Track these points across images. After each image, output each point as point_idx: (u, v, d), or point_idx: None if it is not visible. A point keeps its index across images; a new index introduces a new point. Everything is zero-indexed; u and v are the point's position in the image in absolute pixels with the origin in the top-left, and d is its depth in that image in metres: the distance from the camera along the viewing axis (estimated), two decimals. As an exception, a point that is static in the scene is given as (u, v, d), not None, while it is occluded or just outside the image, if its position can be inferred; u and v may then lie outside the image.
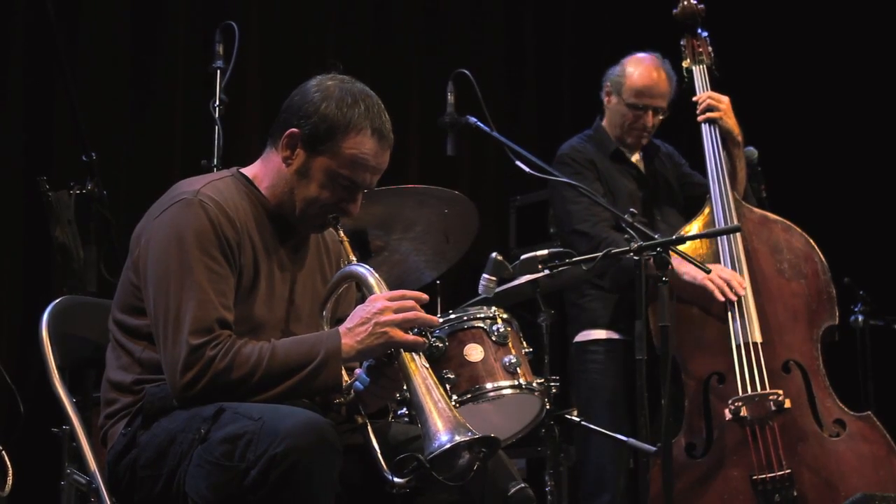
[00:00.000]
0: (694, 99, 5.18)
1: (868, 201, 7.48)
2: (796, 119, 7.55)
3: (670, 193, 5.34)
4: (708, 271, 4.54)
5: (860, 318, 6.66)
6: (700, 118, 5.12)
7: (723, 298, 4.79)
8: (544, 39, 7.83)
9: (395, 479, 2.84)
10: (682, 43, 5.33)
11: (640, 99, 5.21)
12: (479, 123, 4.47)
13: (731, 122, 5.12)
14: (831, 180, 7.45)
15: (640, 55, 5.30)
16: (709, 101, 5.12)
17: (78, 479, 4.03)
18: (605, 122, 5.37)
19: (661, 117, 5.25)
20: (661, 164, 5.39)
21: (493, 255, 4.33)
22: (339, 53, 6.47)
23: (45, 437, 4.29)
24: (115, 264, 3.51)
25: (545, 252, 4.30)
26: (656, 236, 4.19)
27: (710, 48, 5.32)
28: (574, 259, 4.24)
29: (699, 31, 5.34)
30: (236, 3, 6.15)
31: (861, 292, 6.62)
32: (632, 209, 4.35)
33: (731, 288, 4.79)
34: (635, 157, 5.37)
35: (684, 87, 5.29)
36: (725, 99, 5.15)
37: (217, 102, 4.97)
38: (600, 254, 4.16)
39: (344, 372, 2.97)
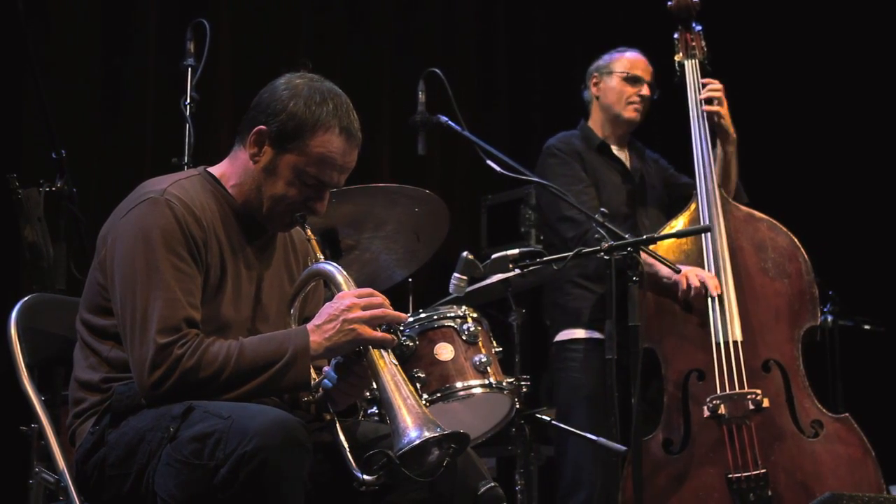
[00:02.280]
0: (688, 95, 5.21)
1: (838, 202, 7.52)
2: (771, 119, 7.58)
3: (654, 192, 5.35)
4: (678, 271, 4.55)
5: (829, 318, 6.68)
6: (706, 108, 5.15)
7: (692, 290, 4.80)
8: (516, 39, 7.84)
9: (365, 477, 2.85)
10: (675, 36, 5.34)
11: (634, 70, 5.33)
12: (450, 122, 4.48)
13: (728, 119, 5.18)
14: (801, 182, 7.48)
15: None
16: (715, 93, 5.18)
17: (46, 478, 4.02)
18: (590, 122, 5.41)
19: (651, 95, 5.36)
20: (647, 165, 5.43)
21: (464, 254, 4.34)
22: (311, 52, 6.47)
23: (13, 435, 4.27)
24: (85, 262, 3.49)
25: (516, 251, 4.31)
26: (627, 236, 4.21)
27: (703, 42, 5.32)
28: (544, 259, 4.26)
29: (693, 24, 5.34)
30: (208, 0, 6.13)
31: (830, 293, 6.65)
32: (602, 209, 4.38)
33: (705, 288, 4.81)
34: (622, 153, 5.40)
35: (676, 81, 5.31)
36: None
37: (188, 100, 4.96)
38: (570, 254, 4.18)
39: (312, 370, 2.97)
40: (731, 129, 5.18)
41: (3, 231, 5.12)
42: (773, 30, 7.80)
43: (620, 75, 5.32)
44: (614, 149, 5.38)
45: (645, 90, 5.32)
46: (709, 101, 5.16)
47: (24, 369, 3.22)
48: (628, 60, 5.35)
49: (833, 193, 7.53)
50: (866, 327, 6.94)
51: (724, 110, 5.16)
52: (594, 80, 5.38)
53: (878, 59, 7.60)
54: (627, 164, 5.39)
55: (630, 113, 5.34)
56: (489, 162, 4.36)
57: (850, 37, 7.65)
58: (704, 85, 5.21)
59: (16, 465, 4.48)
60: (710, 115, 5.14)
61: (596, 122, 5.39)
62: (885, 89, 7.52)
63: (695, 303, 4.84)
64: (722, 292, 4.84)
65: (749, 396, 4.70)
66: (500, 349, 4.41)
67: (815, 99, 7.59)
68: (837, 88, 7.64)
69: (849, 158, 7.55)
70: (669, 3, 5.39)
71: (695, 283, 4.79)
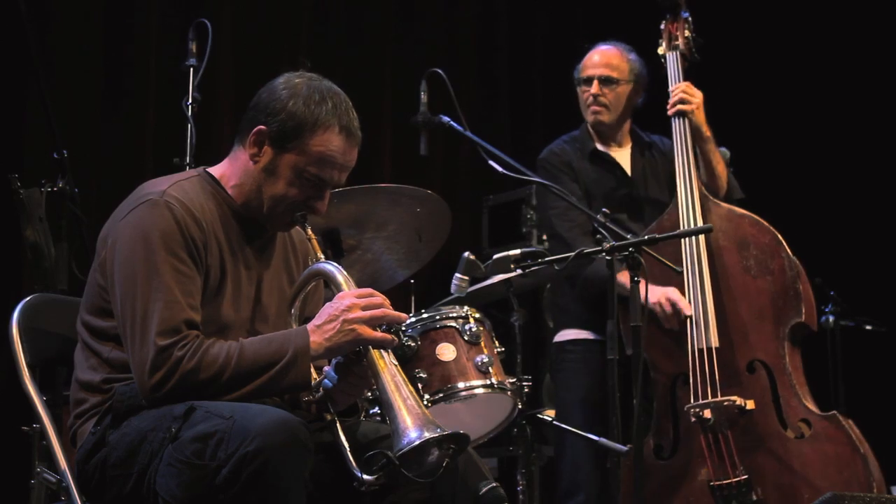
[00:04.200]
0: (670, 89, 5.11)
1: (839, 202, 7.52)
2: (768, 118, 7.58)
3: (654, 192, 5.25)
4: (679, 272, 4.53)
5: (831, 318, 6.68)
6: (670, 111, 5.04)
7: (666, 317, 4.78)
8: (517, 39, 7.84)
9: (365, 477, 2.84)
10: (661, 27, 5.28)
11: (583, 72, 5.22)
12: (451, 123, 4.48)
13: (700, 117, 5.04)
14: (803, 181, 7.48)
15: None
16: (682, 94, 5.04)
17: (48, 478, 4.02)
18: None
19: (615, 87, 5.19)
20: (652, 161, 5.30)
21: (466, 254, 4.34)
22: (312, 52, 6.48)
23: (15, 435, 4.27)
24: (86, 262, 3.49)
25: (518, 251, 4.31)
26: (628, 236, 4.20)
27: (687, 32, 5.22)
28: (546, 259, 4.25)
29: (682, 13, 5.28)
30: (209, 0, 6.14)
31: (832, 293, 6.65)
32: (604, 209, 4.35)
33: (676, 312, 4.78)
34: (623, 153, 5.29)
35: (663, 73, 5.26)
36: (699, 94, 5.07)
37: (190, 100, 4.97)
38: (572, 254, 4.16)
39: (313, 369, 2.97)
40: (704, 128, 5.05)
41: (5, 231, 5.13)
42: (760, 27, 7.78)
43: (577, 82, 5.25)
44: (613, 150, 5.27)
45: (594, 88, 5.17)
46: (679, 101, 5.04)
47: (26, 369, 3.22)
48: (582, 63, 5.25)
49: (835, 193, 7.53)
50: (868, 328, 6.94)
51: (692, 107, 5.02)
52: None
53: (883, 57, 7.60)
54: (628, 165, 5.28)
55: (589, 117, 5.24)
56: (491, 162, 4.36)
57: (850, 32, 7.64)
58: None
59: (17, 465, 4.48)
60: (679, 115, 5.06)
61: None
62: (889, 89, 7.51)
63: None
64: (700, 298, 4.81)
65: (725, 403, 4.66)
66: (502, 349, 4.41)
67: (818, 99, 7.59)
68: (842, 88, 7.63)
69: (851, 159, 7.54)
70: None
71: (668, 308, 4.76)
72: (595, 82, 5.18)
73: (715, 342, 4.73)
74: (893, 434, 5.65)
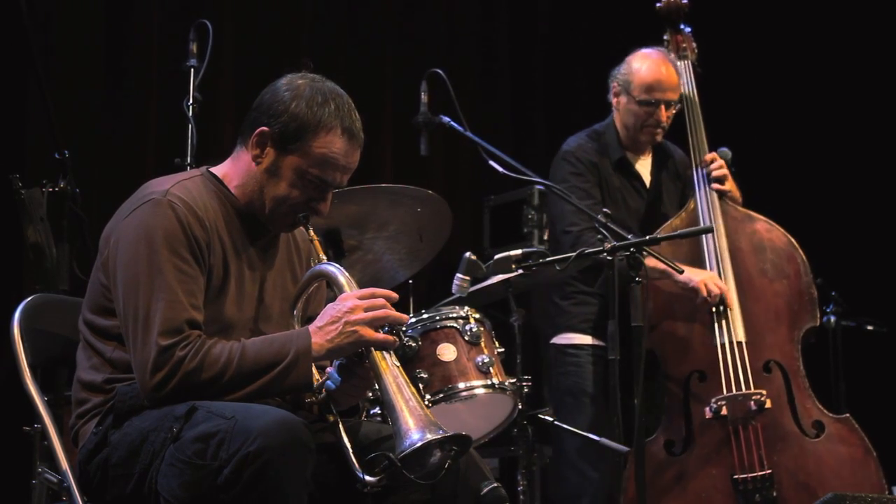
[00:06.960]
0: (707, 158, 5.13)
1: (841, 203, 7.52)
2: (770, 119, 7.58)
3: (667, 206, 5.26)
4: (681, 271, 4.53)
5: (832, 318, 6.69)
6: (715, 186, 5.07)
7: (708, 298, 4.79)
8: (518, 39, 7.83)
9: (367, 478, 2.85)
10: (665, 38, 5.29)
11: (651, 94, 5.08)
12: (452, 123, 4.48)
13: (735, 191, 5.14)
14: (804, 181, 7.48)
15: (645, 50, 5.17)
16: (724, 170, 5.11)
17: (49, 478, 4.02)
18: (616, 122, 5.23)
19: (673, 110, 5.14)
20: (668, 174, 5.31)
21: (467, 254, 4.35)
22: (313, 52, 6.46)
23: (16, 435, 4.27)
24: (88, 263, 3.49)
25: (519, 252, 4.32)
26: (629, 236, 4.20)
27: (693, 44, 5.29)
28: (547, 259, 4.26)
29: (682, 26, 5.30)
30: (210, 1, 6.13)
31: (833, 293, 6.65)
32: (605, 209, 4.36)
33: (718, 298, 4.81)
34: (645, 163, 5.28)
35: None
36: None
37: (191, 101, 4.95)
38: (573, 254, 4.17)
39: (315, 370, 2.97)
40: (738, 195, 5.14)
41: (6, 231, 5.12)
42: (765, 28, 7.78)
43: (637, 98, 5.07)
44: (637, 159, 5.25)
45: (662, 115, 5.09)
46: (718, 179, 5.08)
47: (27, 369, 3.22)
48: (649, 78, 5.06)
49: (837, 194, 7.53)
50: (869, 328, 6.95)
51: (730, 184, 5.11)
52: (615, 90, 5.17)
53: (882, 57, 7.59)
54: (648, 176, 5.25)
55: (646, 137, 5.16)
56: (492, 162, 4.37)
57: (851, 33, 7.64)
58: (697, 88, 5.18)
59: (18, 465, 4.48)
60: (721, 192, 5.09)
61: (619, 125, 5.22)
62: (890, 89, 7.51)
63: (697, 304, 4.83)
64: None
65: (754, 397, 4.71)
66: (502, 350, 4.41)
67: (820, 99, 7.59)
68: (843, 88, 7.63)
69: (854, 159, 7.54)
70: (658, 5, 5.35)
71: (715, 291, 4.78)
72: (662, 108, 5.10)
73: (742, 336, 4.78)
74: (893, 434, 5.65)
